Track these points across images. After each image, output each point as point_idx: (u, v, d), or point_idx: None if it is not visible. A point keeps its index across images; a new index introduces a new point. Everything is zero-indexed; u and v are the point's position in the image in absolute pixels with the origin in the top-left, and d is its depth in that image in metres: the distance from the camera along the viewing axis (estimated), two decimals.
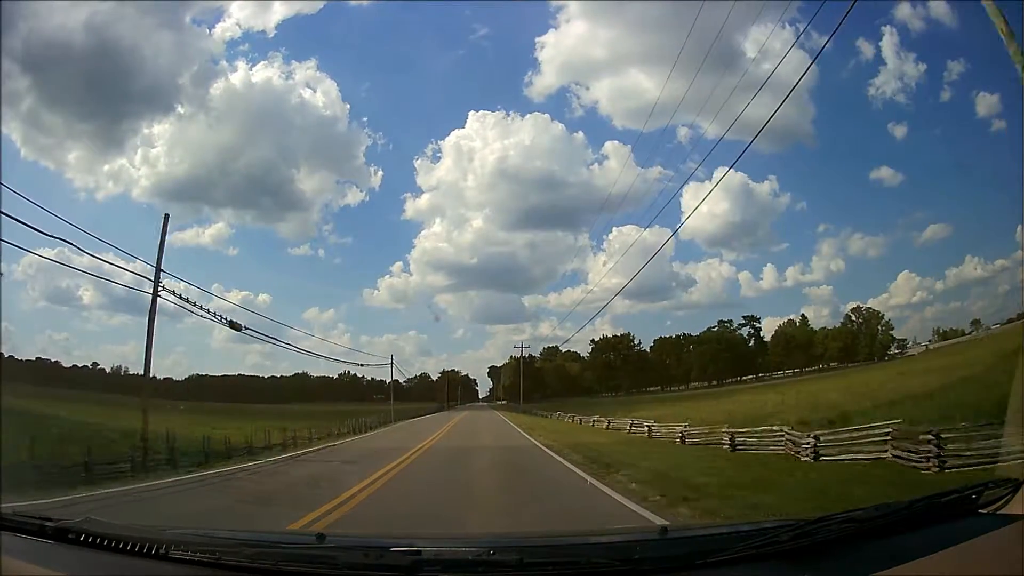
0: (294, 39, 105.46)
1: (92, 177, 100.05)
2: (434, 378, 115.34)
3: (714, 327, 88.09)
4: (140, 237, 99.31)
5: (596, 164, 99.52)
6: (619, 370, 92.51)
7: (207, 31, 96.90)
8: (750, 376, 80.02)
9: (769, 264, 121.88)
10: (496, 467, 14.09)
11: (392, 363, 59.79)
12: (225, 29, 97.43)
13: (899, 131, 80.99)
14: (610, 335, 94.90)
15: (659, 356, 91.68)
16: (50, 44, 62.67)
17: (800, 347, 77.23)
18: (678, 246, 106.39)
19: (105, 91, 76.28)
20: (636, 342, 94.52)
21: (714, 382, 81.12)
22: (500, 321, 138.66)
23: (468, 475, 12.70)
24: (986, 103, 68.20)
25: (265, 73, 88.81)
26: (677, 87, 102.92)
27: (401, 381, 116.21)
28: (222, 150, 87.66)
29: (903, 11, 69.29)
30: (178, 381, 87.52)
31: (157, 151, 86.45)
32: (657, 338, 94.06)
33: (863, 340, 72.95)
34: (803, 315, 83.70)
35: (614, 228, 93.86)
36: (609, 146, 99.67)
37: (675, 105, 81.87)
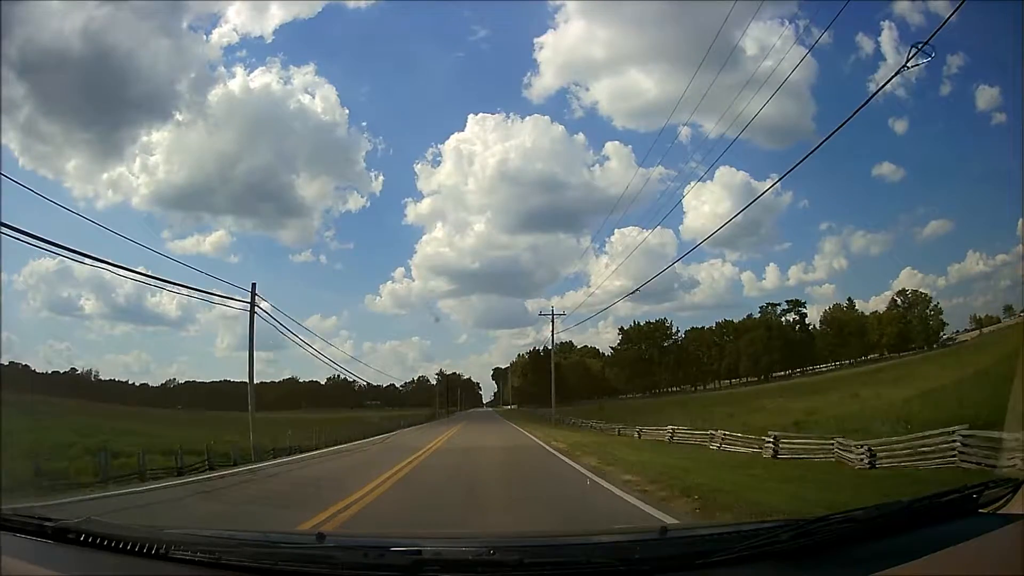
0: (292, 44, 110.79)
1: (91, 186, 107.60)
2: (434, 382, 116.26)
3: (754, 314, 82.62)
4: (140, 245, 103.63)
5: (597, 165, 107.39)
6: (656, 365, 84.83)
7: (204, 37, 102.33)
8: (799, 369, 74.29)
9: (772, 263, 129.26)
10: None
11: (253, 298, 27.17)
12: (222, 35, 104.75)
13: (900, 126, 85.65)
14: (642, 322, 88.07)
15: (696, 348, 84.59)
16: (47, 51, 65.99)
17: (854, 334, 72.38)
18: (681, 248, 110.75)
19: (103, 98, 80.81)
20: (674, 330, 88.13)
21: (760, 377, 74.62)
22: (503, 325, 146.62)
23: None
24: (986, 97, 72.73)
25: (263, 79, 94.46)
26: (678, 86, 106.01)
27: (398, 385, 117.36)
28: (221, 157, 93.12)
29: (901, 6, 72.59)
30: (153, 387, 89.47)
31: (156, 159, 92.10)
32: (690, 328, 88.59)
33: (917, 325, 70.70)
34: (849, 298, 79.69)
35: (616, 230, 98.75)
36: (610, 147, 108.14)
37: (677, 104, 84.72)
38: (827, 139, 13.43)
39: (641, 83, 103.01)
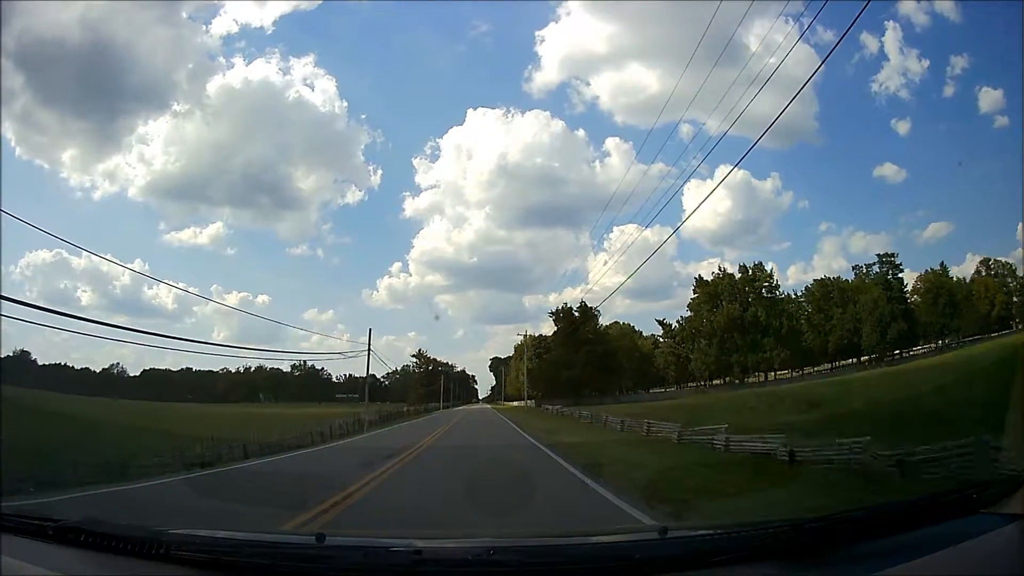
0: (292, 35, 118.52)
1: (88, 176, 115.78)
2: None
3: (841, 276, 70.91)
4: (137, 236, 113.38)
5: (597, 161, 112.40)
6: (759, 335, 64.03)
7: (203, 27, 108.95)
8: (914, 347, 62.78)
9: (771, 263, 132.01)
10: None
11: None
12: (222, 25, 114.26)
13: (902, 127, 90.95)
14: (730, 270, 68.87)
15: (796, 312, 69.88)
16: (44, 41, 70.04)
17: (961, 304, 63.74)
18: (680, 245, 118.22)
19: (100, 88, 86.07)
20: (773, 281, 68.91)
21: (879, 356, 62.66)
22: (500, 321, 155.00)
23: None
24: (989, 99, 76.52)
25: (262, 70, 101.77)
26: (679, 82, 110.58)
27: (379, 376, 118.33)
28: (219, 148, 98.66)
29: (906, 6, 77.28)
30: (95, 372, 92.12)
31: (153, 149, 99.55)
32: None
33: (1020, 296, 65.96)
34: (942, 263, 68.44)
35: (616, 227, 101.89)
36: (610, 143, 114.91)
37: (677, 100, 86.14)
38: (789, 103, 13.48)
39: (643, 78, 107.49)
